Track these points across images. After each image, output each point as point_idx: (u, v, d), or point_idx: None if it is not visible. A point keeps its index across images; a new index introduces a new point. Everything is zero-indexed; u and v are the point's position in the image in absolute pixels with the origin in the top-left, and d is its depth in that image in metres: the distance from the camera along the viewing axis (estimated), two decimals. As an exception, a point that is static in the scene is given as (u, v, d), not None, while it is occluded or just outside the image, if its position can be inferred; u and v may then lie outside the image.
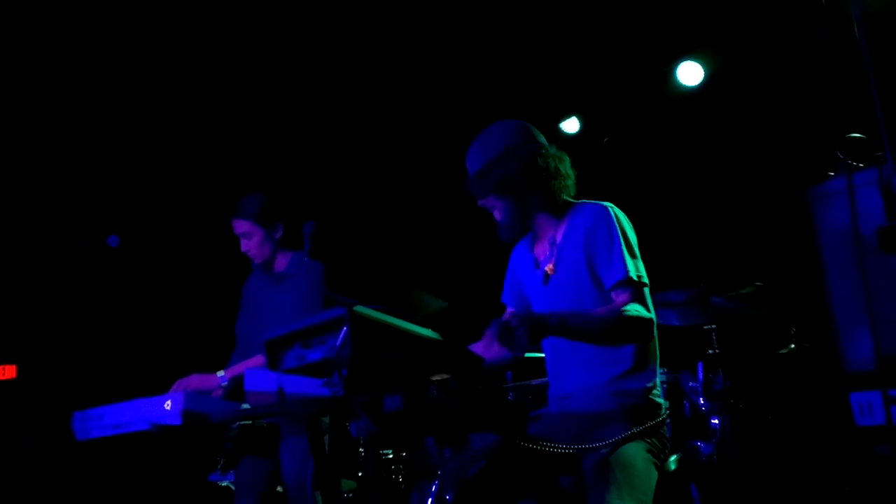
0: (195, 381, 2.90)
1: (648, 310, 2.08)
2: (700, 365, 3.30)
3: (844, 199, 2.35)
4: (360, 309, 1.47)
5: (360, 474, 3.76)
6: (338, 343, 1.45)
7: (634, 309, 2.03)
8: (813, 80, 3.81)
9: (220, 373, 2.95)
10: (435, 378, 1.62)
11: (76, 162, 4.40)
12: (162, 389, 2.85)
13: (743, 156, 4.24)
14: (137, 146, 4.51)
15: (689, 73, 4.34)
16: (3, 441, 3.95)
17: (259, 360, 2.98)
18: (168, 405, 2.40)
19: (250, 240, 3.09)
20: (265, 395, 1.81)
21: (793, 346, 3.49)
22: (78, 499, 4.09)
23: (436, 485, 1.93)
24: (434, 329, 1.68)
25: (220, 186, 4.43)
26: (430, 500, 2.03)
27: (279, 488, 3.11)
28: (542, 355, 2.38)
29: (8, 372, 3.89)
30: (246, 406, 2.45)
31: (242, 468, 3.11)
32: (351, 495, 3.71)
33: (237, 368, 2.96)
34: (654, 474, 2.03)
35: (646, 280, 2.14)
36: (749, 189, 4.19)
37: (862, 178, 2.28)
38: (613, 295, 2.11)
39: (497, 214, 2.29)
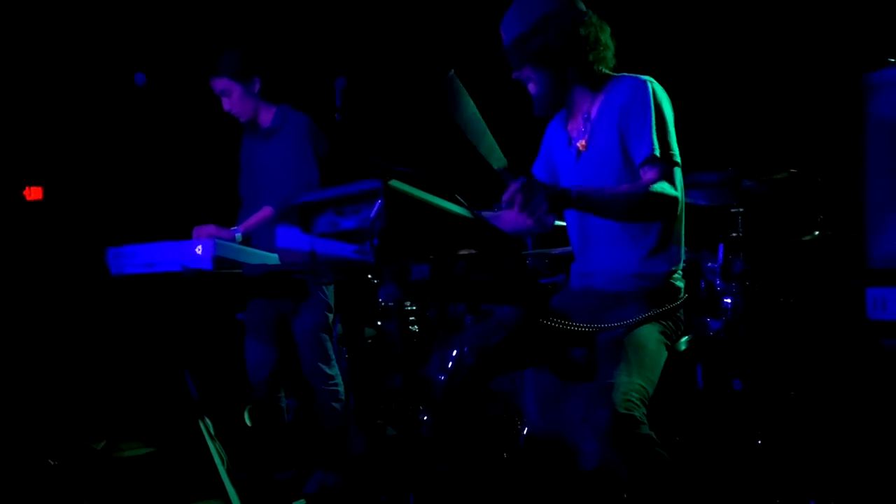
0: (212, 230, 2.98)
1: (676, 189, 2.06)
2: (721, 246, 3.31)
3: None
4: (395, 183, 1.47)
5: (378, 323, 3.94)
6: (372, 215, 1.47)
7: (660, 187, 2.00)
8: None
9: (234, 228, 3.04)
10: (463, 252, 1.65)
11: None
12: (183, 233, 2.96)
13: (798, 35, 4.00)
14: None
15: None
16: (34, 263, 4.11)
17: (266, 212, 3.09)
18: (199, 250, 2.48)
19: (230, 97, 3.11)
20: (296, 253, 1.85)
21: (817, 233, 3.47)
22: (110, 328, 4.32)
23: (456, 350, 2.03)
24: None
25: (254, 29, 4.30)
26: (451, 364, 2.14)
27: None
28: (565, 223, 2.39)
29: (35, 193, 3.99)
30: (275, 261, 2.52)
31: (252, 311, 3.28)
32: (370, 341, 3.91)
33: (248, 223, 3.07)
34: (665, 354, 2.10)
35: (677, 159, 2.10)
36: (799, 71, 3.99)
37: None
38: (641, 172, 2.08)
39: (532, 87, 2.22)
